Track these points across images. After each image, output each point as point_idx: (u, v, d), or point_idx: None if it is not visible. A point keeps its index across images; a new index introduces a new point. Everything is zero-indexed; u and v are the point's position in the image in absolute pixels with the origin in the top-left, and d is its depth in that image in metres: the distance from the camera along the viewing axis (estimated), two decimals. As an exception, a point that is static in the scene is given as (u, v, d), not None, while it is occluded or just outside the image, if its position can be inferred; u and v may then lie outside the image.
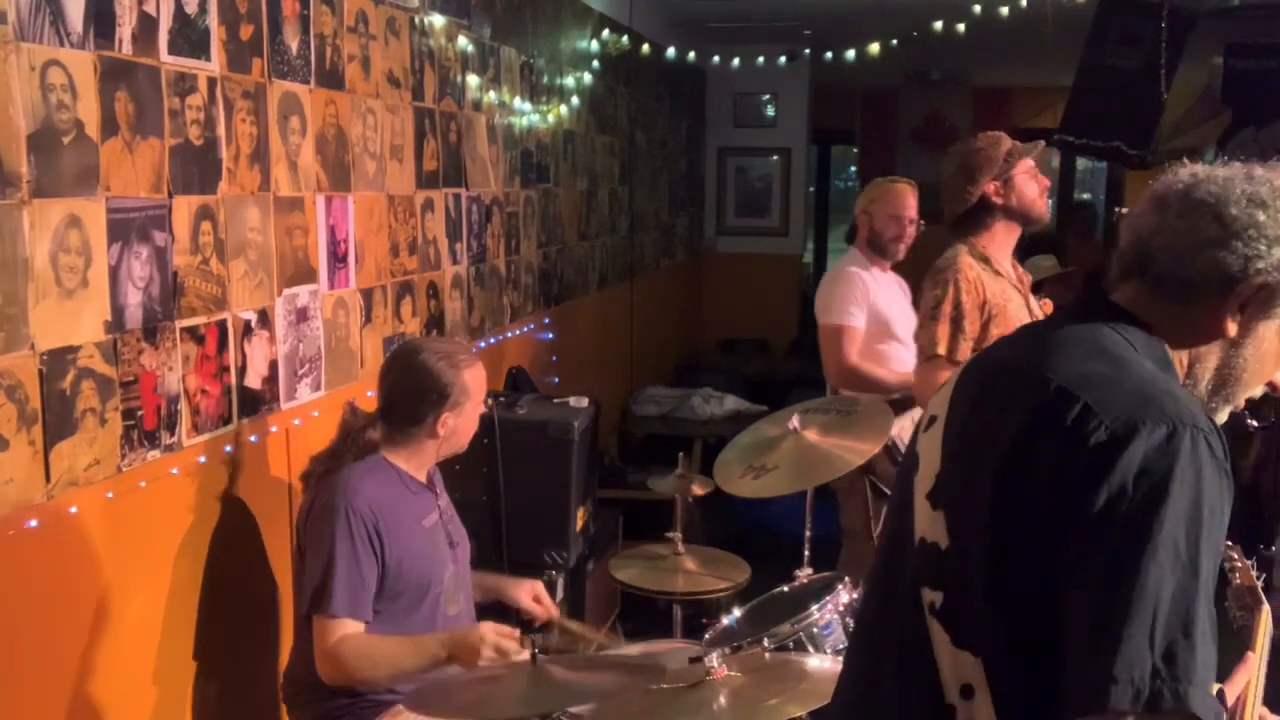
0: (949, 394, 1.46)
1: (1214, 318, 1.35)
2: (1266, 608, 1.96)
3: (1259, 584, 2.05)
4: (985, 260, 3.08)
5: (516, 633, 2.31)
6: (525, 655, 2.11)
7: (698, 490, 3.15)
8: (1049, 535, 1.23)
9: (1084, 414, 1.24)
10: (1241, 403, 1.47)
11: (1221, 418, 1.45)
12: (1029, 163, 3.12)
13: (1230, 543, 2.20)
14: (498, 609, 2.71)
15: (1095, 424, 1.23)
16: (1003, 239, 3.14)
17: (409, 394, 2.44)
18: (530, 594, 2.71)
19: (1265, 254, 1.31)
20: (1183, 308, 1.36)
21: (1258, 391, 1.46)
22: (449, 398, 2.42)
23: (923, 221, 4.01)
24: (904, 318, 3.82)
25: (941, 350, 2.99)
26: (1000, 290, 3.06)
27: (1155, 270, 1.36)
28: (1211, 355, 1.40)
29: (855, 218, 4.07)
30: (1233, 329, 1.35)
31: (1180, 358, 1.39)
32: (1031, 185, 3.12)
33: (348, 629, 2.28)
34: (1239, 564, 2.11)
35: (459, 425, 2.47)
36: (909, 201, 3.97)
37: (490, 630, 2.29)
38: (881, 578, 1.53)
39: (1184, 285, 1.34)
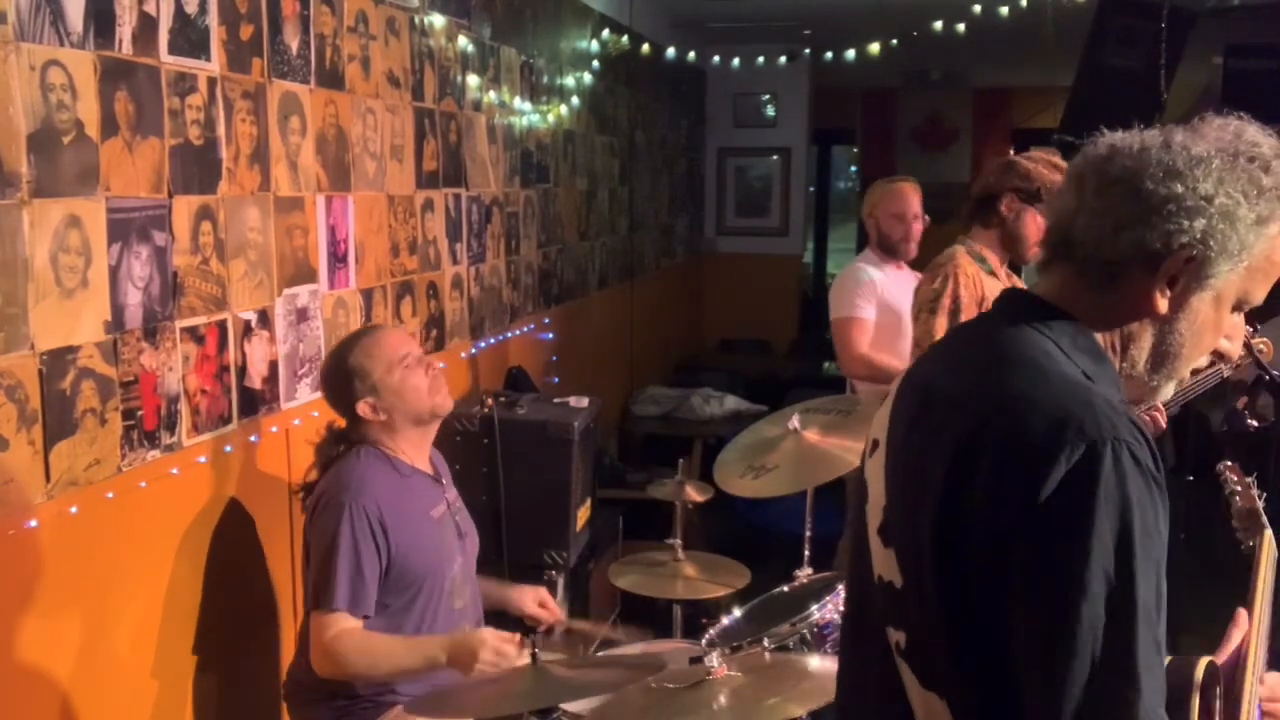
0: (887, 416, 1.40)
1: (1142, 296, 1.29)
2: (1269, 533, 1.94)
3: (1260, 505, 2.04)
4: (981, 259, 3.14)
5: (516, 638, 2.30)
6: (525, 659, 2.10)
7: (697, 496, 3.15)
8: (988, 573, 1.19)
9: (1004, 442, 1.20)
10: (1187, 375, 1.42)
11: (1167, 393, 1.40)
12: None
13: (1229, 463, 2.20)
14: (501, 615, 2.71)
15: (1014, 451, 1.18)
16: (997, 247, 3.21)
17: (329, 399, 2.50)
18: (535, 600, 2.70)
19: (1187, 227, 1.24)
20: (1108, 289, 1.30)
21: (1202, 361, 1.42)
22: (351, 386, 2.41)
23: (927, 218, 4.05)
24: None
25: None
26: (996, 288, 3.10)
27: (1077, 253, 1.31)
28: (1145, 334, 1.33)
29: (864, 222, 4.14)
30: (1163, 305, 1.29)
31: (1113, 341, 1.34)
32: (1035, 230, 3.14)
33: (345, 623, 2.27)
34: (1239, 486, 2.09)
35: (388, 400, 2.41)
36: (911, 199, 4.04)
37: (490, 635, 2.28)
38: (851, 611, 1.49)
39: (1107, 266, 1.28)
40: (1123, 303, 1.31)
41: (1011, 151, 9.84)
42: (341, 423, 2.48)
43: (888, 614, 1.33)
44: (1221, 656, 1.57)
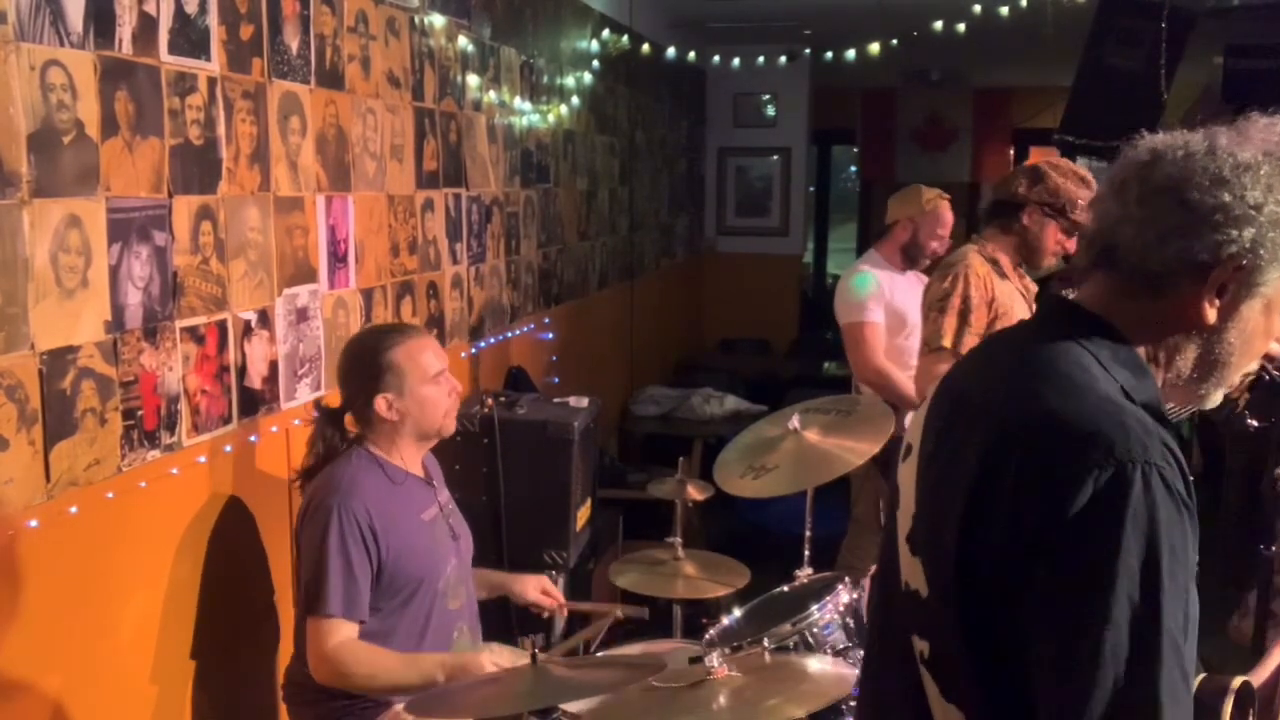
0: (921, 422, 1.38)
1: (1190, 306, 1.25)
2: None
3: None
4: (994, 261, 3.15)
5: (517, 662, 2.31)
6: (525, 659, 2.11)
7: (697, 495, 3.15)
8: (1010, 590, 1.17)
9: (1029, 458, 1.17)
10: (1237, 380, 1.40)
11: (1216, 399, 1.36)
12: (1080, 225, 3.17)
13: None
14: (502, 606, 2.71)
15: (1040, 468, 1.16)
16: (1011, 251, 3.22)
17: (347, 381, 2.46)
18: (537, 588, 2.72)
19: (1236, 237, 1.19)
20: (1154, 299, 1.25)
21: (1253, 366, 1.39)
22: (380, 378, 2.39)
23: None
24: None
25: (947, 343, 3.06)
26: (1007, 292, 3.12)
27: (1121, 263, 1.26)
28: (1189, 346, 1.29)
29: (892, 220, 4.11)
30: (1212, 315, 1.24)
31: (1156, 353, 1.30)
32: (1054, 243, 3.16)
33: (344, 630, 2.27)
34: None
35: (408, 405, 2.40)
36: (950, 220, 4.09)
37: (487, 659, 2.29)
38: (878, 617, 1.49)
39: (1153, 278, 1.24)
40: (1170, 312, 1.26)
41: (1012, 152, 9.87)
42: (335, 402, 2.48)
43: (913, 623, 1.31)
44: (1261, 676, 1.56)
